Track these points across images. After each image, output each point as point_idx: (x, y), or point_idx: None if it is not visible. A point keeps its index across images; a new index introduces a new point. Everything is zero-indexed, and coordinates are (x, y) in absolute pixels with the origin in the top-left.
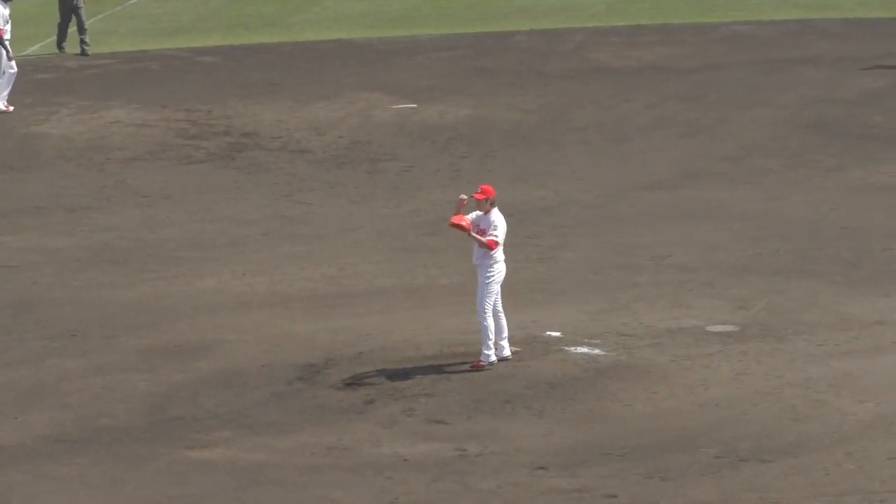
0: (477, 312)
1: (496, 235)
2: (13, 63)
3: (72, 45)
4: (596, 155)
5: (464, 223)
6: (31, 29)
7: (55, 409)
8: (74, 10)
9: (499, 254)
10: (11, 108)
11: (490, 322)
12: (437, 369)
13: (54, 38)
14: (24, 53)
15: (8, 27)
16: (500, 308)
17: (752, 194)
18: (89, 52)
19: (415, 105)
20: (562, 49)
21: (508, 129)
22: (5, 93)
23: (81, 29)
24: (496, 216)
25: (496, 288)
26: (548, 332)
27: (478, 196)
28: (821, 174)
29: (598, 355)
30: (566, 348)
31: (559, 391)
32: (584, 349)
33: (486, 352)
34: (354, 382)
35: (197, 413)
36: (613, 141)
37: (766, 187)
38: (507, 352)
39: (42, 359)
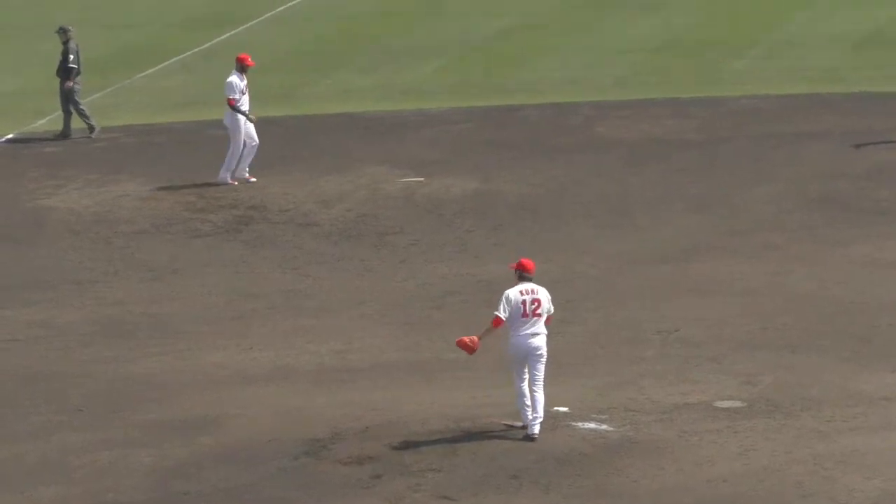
0: None
1: (498, 310)
2: (253, 134)
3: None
4: (602, 228)
5: (469, 343)
6: (39, 103)
7: (61, 483)
8: (66, 94)
9: (513, 329)
10: (254, 179)
11: (518, 388)
12: (444, 444)
13: (61, 112)
14: (32, 126)
15: (245, 98)
16: (534, 386)
17: (758, 269)
18: (94, 131)
19: (422, 178)
20: (569, 122)
21: (515, 202)
22: (245, 165)
23: (79, 113)
24: (509, 290)
25: (516, 361)
26: (555, 407)
27: (510, 266)
28: (828, 249)
29: (606, 431)
30: (573, 423)
31: (567, 467)
32: (592, 424)
33: (522, 414)
34: (361, 457)
35: (202, 489)
36: (620, 214)
37: (773, 262)
38: (535, 429)
39: (48, 433)
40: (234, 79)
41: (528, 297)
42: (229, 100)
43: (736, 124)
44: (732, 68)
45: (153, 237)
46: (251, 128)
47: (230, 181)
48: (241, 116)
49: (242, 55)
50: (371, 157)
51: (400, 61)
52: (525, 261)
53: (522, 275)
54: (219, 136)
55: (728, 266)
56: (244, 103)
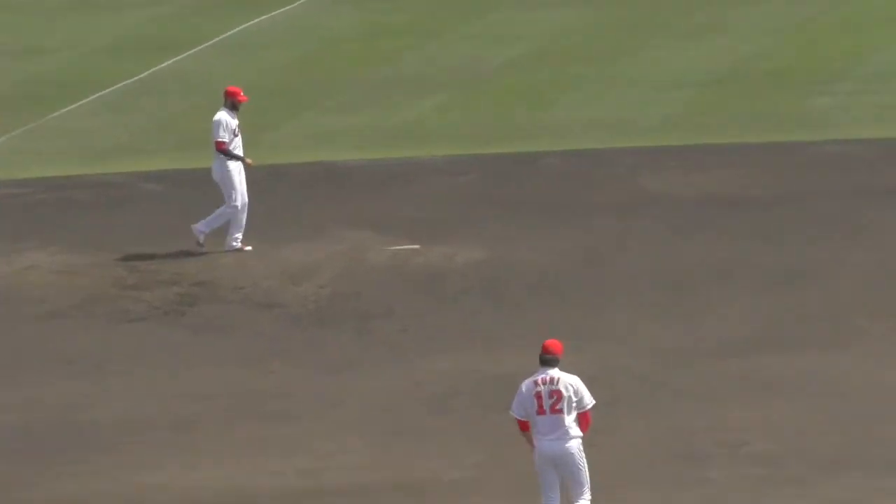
0: None
1: (511, 407)
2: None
3: None
4: (647, 311)
5: None
6: None
7: None
8: None
9: (534, 432)
10: (249, 248)
11: None
12: None
13: None
14: None
15: (238, 141)
16: (577, 502)
17: (848, 363)
18: None
19: (416, 246)
20: (604, 175)
21: (535, 277)
22: (236, 231)
23: None
24: (526, 380)
25: (540, 471)
26: None
27: None
28: None
29: None
30: None
31: None
32: None
33: None
34: None
35: None
36: (669, 293)
37: (866, 354)
38: None
39: None
40: (224, 116)
41: (543, 389)
42: (217, 143)
43: (818, 177)
44: (814, 106)
45: (71, 321)
46: (243, 183)
47: (201, 242)
48: (233, 167)
49: (232, 88)
50: (351, 218)
51: (388, 97)
52: (548, 342)
53: (543, 358)
54: (157, 193)
55: (809, 359)
56: (237, 147)
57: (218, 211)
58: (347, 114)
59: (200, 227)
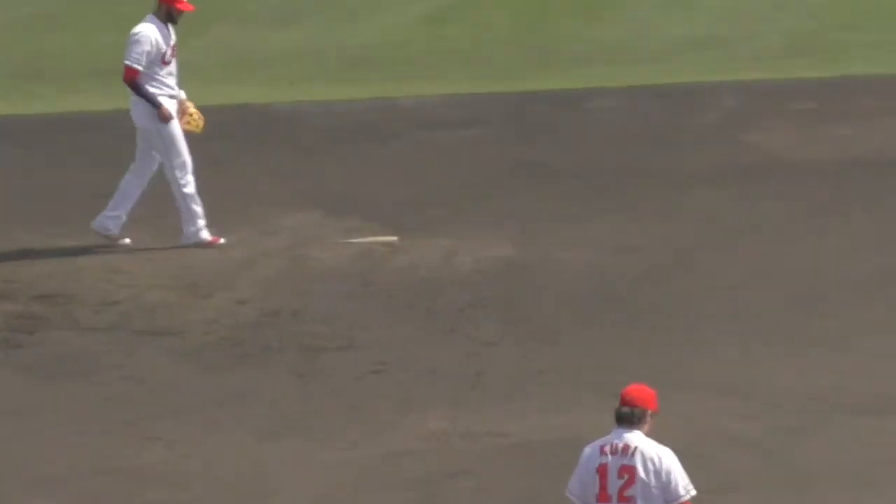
0: None
1: (569, 485)
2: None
3: None
4: (760, 341)
5: None
6: None
7: None
8: None
9: None
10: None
11: None
12: None
13: None
14: None
15: (170, 72)
16: None
17: None
18: None
19: (395, 238)
20: (689, 124)
21: (582, 287)
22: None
23: None
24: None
25: None
26: None
27: None
28: None
29: None
30: None
31: None
32: None
33: None
34: None
35: None
36: (797, 312)
37: None
38: None
39: None
40: (150, 31)
41: (611, 462)
42: (126, 68)
43: None
44: None
45: None
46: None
47: (207, 238)
48: (168, 105)
49: None
50: (292, 193)
51: (350, 4)
52: (628, 388)
53: (619, 413)
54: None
55: None
56: (166, 82)
57: (177, 192)
58: (285, 28)
59: (188, 233)
